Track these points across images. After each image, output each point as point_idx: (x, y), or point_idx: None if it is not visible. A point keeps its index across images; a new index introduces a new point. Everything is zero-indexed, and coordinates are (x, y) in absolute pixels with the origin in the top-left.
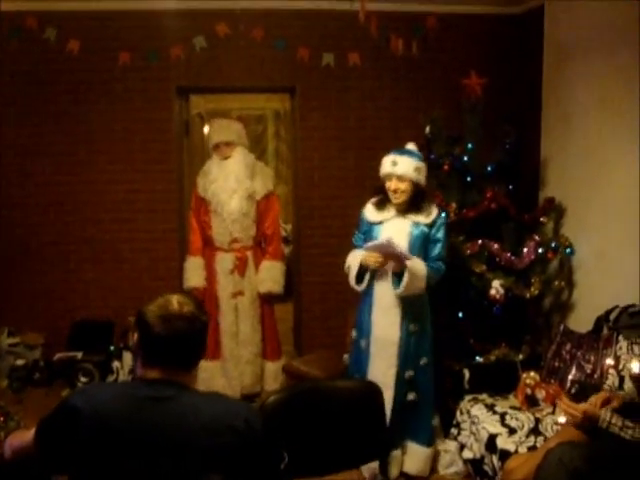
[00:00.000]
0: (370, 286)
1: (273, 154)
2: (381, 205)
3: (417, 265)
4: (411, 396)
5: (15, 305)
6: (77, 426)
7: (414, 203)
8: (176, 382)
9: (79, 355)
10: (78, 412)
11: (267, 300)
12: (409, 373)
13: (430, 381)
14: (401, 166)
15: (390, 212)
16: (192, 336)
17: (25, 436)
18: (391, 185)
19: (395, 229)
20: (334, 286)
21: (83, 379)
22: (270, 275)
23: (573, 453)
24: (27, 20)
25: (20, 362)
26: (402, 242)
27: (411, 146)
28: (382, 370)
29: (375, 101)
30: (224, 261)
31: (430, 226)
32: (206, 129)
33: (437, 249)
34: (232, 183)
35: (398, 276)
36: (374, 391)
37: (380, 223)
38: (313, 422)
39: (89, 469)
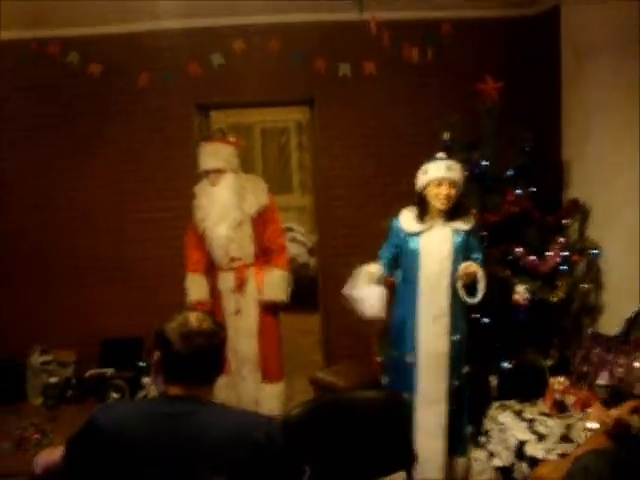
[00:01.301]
0: (409, 301)
1: (297, 165)
2: (422, 214)
3: (481, 271)
4: (454, 406)
5: (47, 323)
6: (100, 443)
7: (455, 210)
8: (196, 398)
9: (110, 372)
10: (101, 430)
11: (270, 314)
12: (454, 383)
13: (467, 389)
14: (456, 172)
15: (429, 222)
16: (212, 352)
17: (54, 453)
18: (442, 190)
19: (437, 238)
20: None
21: (114, 395)
22: (274, 283)
23: (600, 461)
24: (50, 46)
25: (53, 380)
26: (446, 250)
27: (442, 155)
28: (433, 384)
29: (393, 109)
30: (225, 280)
31: (469, 233)
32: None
33: (478, 254)
34: (217, 212)
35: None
36: (397, 401)
37: (418, 234)
38: (336, 434)
39: None
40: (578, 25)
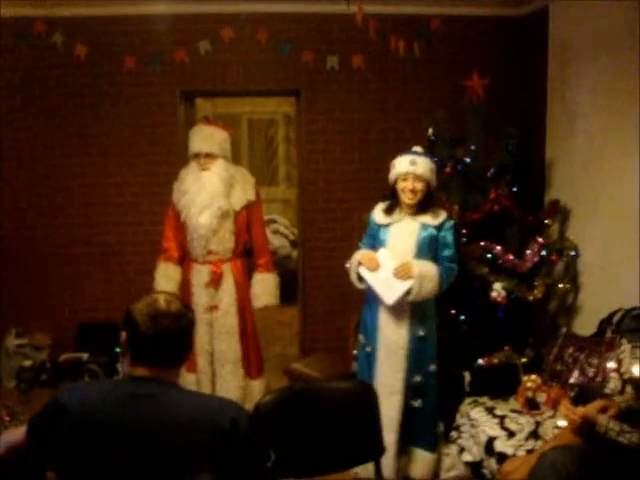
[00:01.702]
0: (374, 291)
1: (284, 157)
2: (391, 208)
3: (424, 267)
4: (416, 403)
5: (23, 306)
6: (63, 422)
7: (424, 205)
8: (162, 380)
9: (85, 356)
10: (64, 408)
11: (250, 313)
12: (417, 378)
13: (436, 387)
14: (420, 166)
15: (399, 214)
16: (179, 334)
17: (17, 433)
18: (407, 185)
19: (403, 231)
20: (338, 289)
21: (89, 380)
22: (265, 288)
23: (566, 457)
24: (35, 25)
25: (27, 363)
26: (410, 243)
27: (418, 148)
28: (390, 375)
29: (379, 103)
30: (199, 274)
31: (438, 228)
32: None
33: (447, 251)
34: (204, 199)
35: None
36: (368, 392)
37: (388, 225)
38: (306, 423)
39: (75, 464)
40: (566, 27)
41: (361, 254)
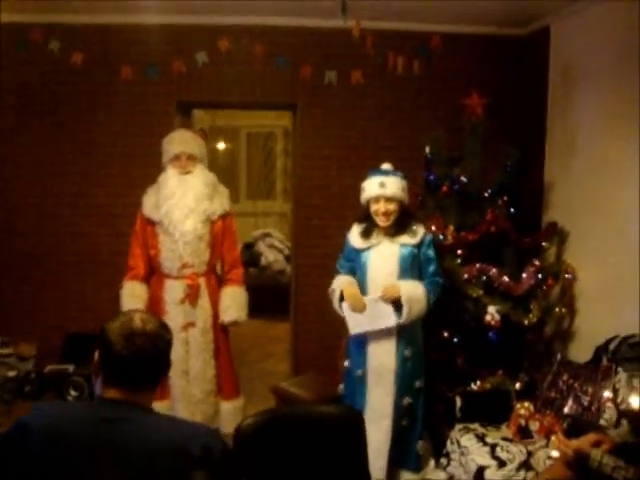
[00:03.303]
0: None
1: (282, 171)
2: (367, 231)
3: (412, 288)
4: (404, 422)
5: (9, 316)
6: (27, 443)
7: (401, 224)
8: (134, 403)
9: (70, 368)
10: (29, 429)
11: (223, 331)
12: (407, 400)
13: (421, 405)
14: (390, 187)
15: (377, 237)
16: (155, 355)
17: None
18: (380, 207)
19: (383, 253)
20: (331, 306)
21: (73, 393)
22: (235, 302)
23: None
24: (32, 32)
25: (12, 373)
26: (392, 265)
27: (387, 166)
28: (380, 399)
29: (377, 120)
30: (173, 290)
31: (418, 246)
32: (166, 141)
33: (431, 267)
34: (190, 201)
35: (396, 306)
36: (354, 417)
37: (367, 249)
38: (289, 448)
39: None
40: (567, 47)
41: (345, 287)
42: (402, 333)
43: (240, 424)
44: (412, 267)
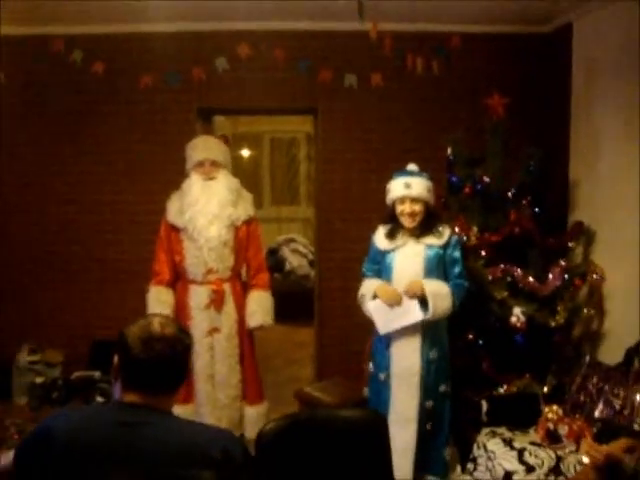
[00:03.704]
0: None
1: (305, 176)
2: (392, 232)
3: (436, 286)
4: (429, 426)
5: (37, 323)
6: (49, 447)
7: (426, 225)
8: (153, 407)
9: (97, 375)
10: (50, 433)
11: (248, 333)
12: (429, 403)
13: (447, 410)
14: (415, 188)
15: (402, 238)
16: (173, 359)
17: (10, 455)
18: (405, 208)
19: (408, 254)
20: (355, 310)
21: (100, 399)
22: (261, 307)
23: None
24: (54, 43)
25: (39, 380)
26: (417, 266)
27: (413, 167)
28: (405, 402)
29: (398, 122)
30: (198, 295)
31: (444, 247)
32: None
33: (457, 268)
34: (214, 207)
35: (423, 303)
36: (378, 421)
37: (393, 250)
38: (311, 453)
39: None
40: (590, 44)
41: (378, 286)
42: (427, 335)
43: (262, 429)
44: (437, 268)
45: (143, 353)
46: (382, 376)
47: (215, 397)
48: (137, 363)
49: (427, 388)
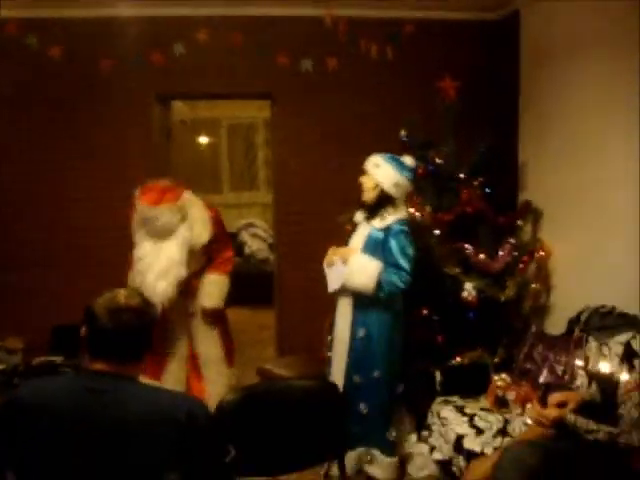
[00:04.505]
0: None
1: (264, 162)
2: (359, 207)
3: (362, 261)
4: (362, 406)
5: None
6: (19, 416)
7: (376, 209)
8: (120, 374)
9: (59, 359)
10: (20, 402)
11: (215, 316)
12: (356, 379)
13: (384, 395)
14: (368, 160)
15: (361, 216)
16: (138, 328)
17: None
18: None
19: (359, 233)
20: (314, 292)
21: None
22: (210, 289)
23: (529, 452)
24: (8, 26)
25: (0, 367)
26: (359, 243)
27: (407, 159)
28: (336, 373)
29: (355, 106)
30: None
31: (384, 232)
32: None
33: (391, 258)
34: (164, 266)
35: None
36: (331, 390)
37: (357, 226)
38: (270, 421)
39: (31, 461)
40: (537, 29)
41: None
42: (356, 311)
43: (221, 400)
44: (375, 250)
45: (110, 323)
46: (329, 348)
47: (202, 376)
48: (104, 332)
49: (355, 364)
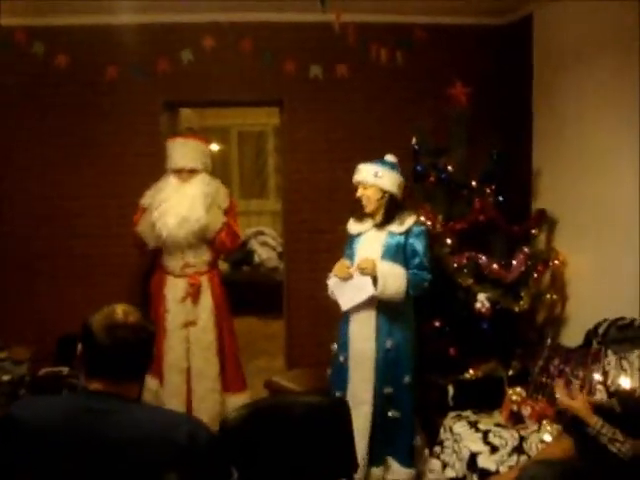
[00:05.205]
0: None
1: (274, 170)
2: (360, 217)
3: (388, 266)
4: (391, 413)
5: (2, 320)
6: (13, 435)
7: (390, 214)
8: (118, 394)
9: (65, 370)
10: (15, 421)
11: (227, 327)
12: (387, 390)
13: (411, 400)
14: (361, 172)
15: (369, 224)
16: (137, 346)
17: None
18: (358, 193)
19: (371, 241)
20: (323, 302)
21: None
22: None
23: (547, 472)
24: (15, 34)
25: (6, 377)
26: (376, 252)
27: (389, 157)
28: (359, 385)
29: (364, 113)
30: (175, 287)
31: (405, 235)
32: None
33: (417, 259)
34: (185, 209)
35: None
36: (340, 407)
37: (359, 235)
38: (275, 439)
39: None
40: (550, 34)
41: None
42: (382, 322)
43: (225, 417)
44: (397, 256)
45: (107, 340)
46: (342, 358)
47: (188, 389)
48: (101, 351)
49: (385, 375)
